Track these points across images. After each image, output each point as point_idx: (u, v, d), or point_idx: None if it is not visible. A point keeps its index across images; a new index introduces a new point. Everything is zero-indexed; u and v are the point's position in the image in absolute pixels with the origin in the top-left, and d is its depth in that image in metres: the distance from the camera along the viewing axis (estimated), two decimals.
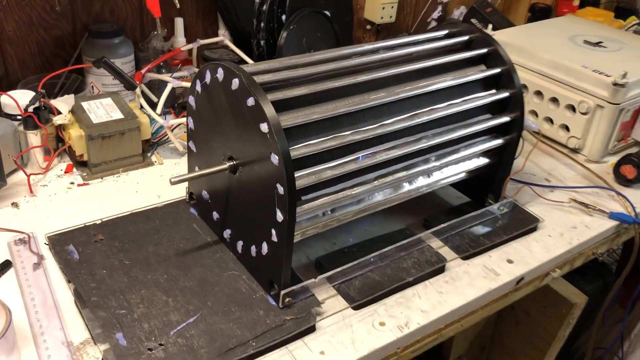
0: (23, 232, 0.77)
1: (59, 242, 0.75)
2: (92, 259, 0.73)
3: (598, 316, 1.09)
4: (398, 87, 0.76)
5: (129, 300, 0.68)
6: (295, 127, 0.66)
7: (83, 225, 0.79)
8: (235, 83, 0.64)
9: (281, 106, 0.66)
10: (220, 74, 0.67)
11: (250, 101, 0.63)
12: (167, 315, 0.66)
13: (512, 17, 1.71)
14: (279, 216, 0.64)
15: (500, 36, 1.18)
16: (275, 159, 0.62)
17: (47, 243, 0.76)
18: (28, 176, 0.86)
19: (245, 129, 0.66)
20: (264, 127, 0.62)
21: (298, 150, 0.66)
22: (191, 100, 0.75)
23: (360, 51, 0.77)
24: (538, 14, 1.60)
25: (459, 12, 1.55)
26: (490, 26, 1.33)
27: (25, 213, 0.82)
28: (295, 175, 0.63)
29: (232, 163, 0.70)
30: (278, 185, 0.62)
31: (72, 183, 0.89)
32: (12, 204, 0.83)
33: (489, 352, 1.28)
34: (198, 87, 0.72)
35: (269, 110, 0.61)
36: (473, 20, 1.46)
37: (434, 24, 1.55)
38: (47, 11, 1.02)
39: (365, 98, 0.72)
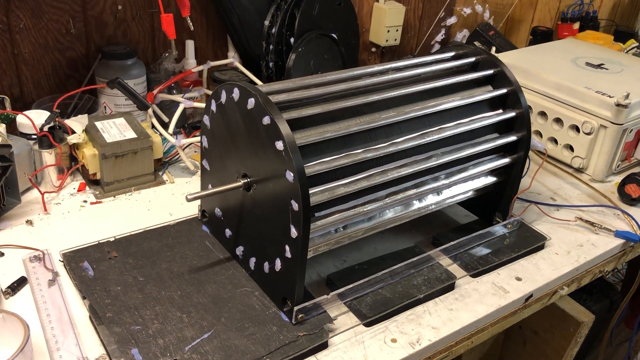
0: (38, 249, 0.78)
1: (73, 259, 0.76)
2: (106, 275, 0.74)
3: (605, 335, 1.09)
4: (408, 106, 0.78)
5: (143, 316, 0.69)
6: (309, 145, 0.68)
7: (97, 242, 0.80)
8: (251, 102, 0.66)
9: (296, 125, 0.67)
10: (236, 93, 0.69)
11: (266, 120, 0.64)
12: (182, 331, 0.67)
13: (514, 40, 1.74)
14: (293, 232, 0.65)
15: (504, 58, 1.20)
16: (290, 175, 0.63)
17: (61, 260, 0.77)
18: (42, 194, 0.87)
19: (261, 147, 0.67)
20: (279, 144, 0.63)
21: (312, 167, 0.67)
22: (206, 119, 0.77)
23: (371, 72, 0.79)
24: (539, 37, 1.63)
25: (461, 35, 1.58)
26: (493, 49, 1.36)
27: (40, 230, 0.83)
28: (310, 191, 0.64)
29: (246, 180, 0.71)
30: (293, 202, 0.64)
31: (85, 201, 0.90)
32: (26, 222, 0.84)
33: None
34: (213, 107, 0.74)
35: (285, 128, 0.63)
36: (476, 43, 1.49)
37: (437, 46, 1.58)
38: (62, 34, 1.05)
39: (377, 117, 0.74)
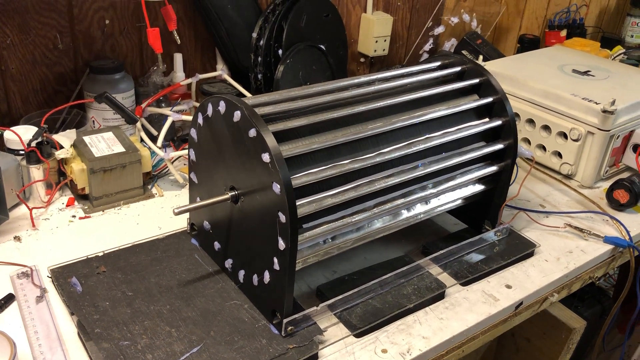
0: (26, 266, 0.78)
1: (61, 275, 0.76)
2: (95, 290, 0.74)
3: (597, 341, 1.10)
4: (394, 116, 0.78)
5: (132, 331, 0.68)
6: (295, 157, 0.68)
7: (85, 257, 0.79)
8: (237, 115, 0.66)
9: (282, 137, 0.67)
10: (222, 106, 0.69)
11: (252, 132, 0.64)
12: (171, 346, 0.67)
13: (502, 48, 1.76)
14: (281, 244, 0.65)
15: (491, 67, 1.22)
16: (277, 187, 0.63)
17: (49, 276, 0.76)
18: (30, 210, 0.87)
19: (247, 160, 0.67)
20: (265, 157, 0.63)
21: (299, 179, 0.67)
22: (193, 132, 0.77)
23: (357, 83, 0.80)
24: (527, 44, 1.65)
25: (449, 44, 1.59)
26: (480, 57, 1.37)
27: (28, 246, 0.83)
28: (297, 203, 0.64)
29: (233, 193, 0.71)
30: (280, 214, 0.64)
31: (73, 216, 0.90)
32: (14, 238, 0.84)
33: None
34: (200, 120, 0.74)
35: (271, 140, 0.63)
36: (464, 52, 1.50)
37: (425, 56, 1.59)
38: (49, 49, 1.05)
39: (363, 128, 0.74)
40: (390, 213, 0.78)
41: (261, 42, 1.15)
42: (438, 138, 0.80)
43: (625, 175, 1.10)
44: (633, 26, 1.88)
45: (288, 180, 0.63)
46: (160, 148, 0.99)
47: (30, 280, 0.76)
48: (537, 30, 1.85)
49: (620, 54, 1.66)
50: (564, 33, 1.75)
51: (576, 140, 1.08)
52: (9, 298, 0.72)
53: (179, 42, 1.08)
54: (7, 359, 0.59)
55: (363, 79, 0.81)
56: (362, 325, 0.72)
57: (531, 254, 0.89)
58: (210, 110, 0.71)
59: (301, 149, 0.68)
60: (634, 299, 1.01)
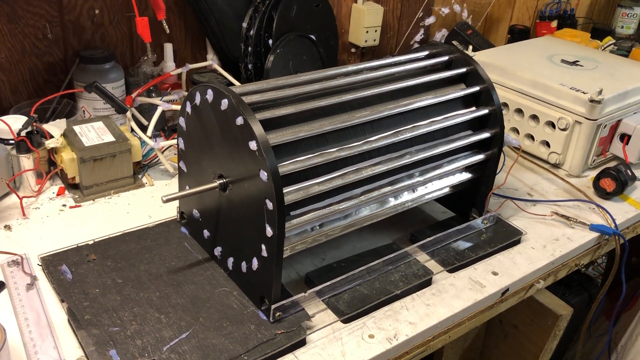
0: (16, 254, 0.78)
1: (52, 263, 0.77)
2: (85, 278, 0.74)
3: (584, 328, 1.11)
4: (382, 105, 0.79)
5: (122, 317, 0.69)
6: (283, 145, 0.69)
7: (76, 245, 0.80)
8: (224, 103, 0.67)
9: (269, 125, 0.68)
10: (210, 95, 0.69)
11: (239, 120, 0.65)
12: (160, 332, 0.68)
13: (492, 39, 1.76)
14: (269, 231, 0.66)
15: (481, 57, 1.22)
16: (264, 175, 0.64)
17: (40, 264, 0.77)
18: (20, 199, 0.87)
19: (235, 148, 0.68)
20: (252, 145, 0.64)
21: (286, 166, 0.68)
22: (181, 121, 0.77)
23: (345, 72, 0.80)
24: (517, 35, 1.65)
25: (440, 35, 1.60)
26: (470, 47, 1.38)
27: (18, 235, 0.83)
28: (284, 190, 0.65)
29: (222, 181, 0.72)
30: (267, 201, 0.64)
31: (64, 205, 0.90)
32: (4, 227, 0.84)
33: None
34: (188, 109, 0.75)
35: (258, 128, 0.64)
36: (454, 42, 1.51)
37: (416, 46, 1.59)
38: (39, 38, 1.05)
39: (350, 116, 0.75)
40: (377, 201, 0.79)
41: (251, 32, 1.15)
42: (425, 127, 0.81)
43: (612, 164, 1.11)
44: (623, 17, 1.89)
45: (275, 167, 0.63)
46: (150, 138, 0.99)
47: (20, 268, 0.76)
48: (527, 21, 1.86)
49: (610, 45, 1.66)
50: (554, 24, 1.76)
51: (564, 130, 1.09)
52: (0, 286, 0.73)
53: (167, 31, 1.08)
54: None
55: (351, 68, 0.81)
56: (350, 311, 0.73)
57: (518, 242, 0.90)
58: (198, 98, 0.72)
59: (288, 137, 0.69)
60: (620, 286, 1.03)
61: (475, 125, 0.87)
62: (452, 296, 0.79)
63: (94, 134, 0.94)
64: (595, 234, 0.95)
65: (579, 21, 1.89)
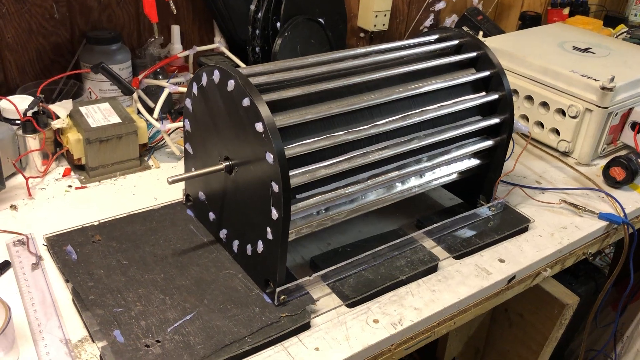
0: (22, 234, 0.78)
1: (57, 243, 0.77)
2: (89, 259, 0.74)
3: (590, 318, 1.11)
4: (390, 89, 0.78)
5: (126, 298, 0.69)
6: (289, 127, 0.68)
7: (81, 226, 0.80)
8: (231, 84, 0.66)
9: (276, 107, 0.67)
10: (216, 76, 0.68)
11: (246, 102, 0.64)
12: (164, 313, 0.68)
13: (503, 25, 1.74)
14: (274, 214, 0.65)
15: (491, 43, 1.21)
16: (270, 157, 0.63)
17: (45, 244, 0.77)
18: (27, 179, 0.87)
19: (241, 129, 0.67)
20: (259, 126, 0.63)
21: (292, 149, 0.67)
22: (188, 102, 0.77)
23: (353, 54, 0.79)
24: (528, 21, 1.63)
25: (450, 20, 1.58)
26: (480, 33, 1.36)
27: (24, 215, 0.83)
28: (290, 173, 0.64)
29: (228, 163, 0.71)
30: (273, 184, 0.64)
31: (70, 186, 0.90)
32: (10, 207, 0.84)
33: (482, 354, 1.29)
34: (195, 90, 0.74)
35: (264, 110, 0.63)
36: (465, 28, 1.49)
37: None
38: (46, 19, 1.04)
39: (358, 99, 0.74)
40: (384, 186, 0.78)
41: (259, 15, 1.14)
42: (434, 111, 0.80)
43: (622, 153, 1.10)
44: (637, 5, 1.86)
45: (281, 150, 0.63)
46: (156, 120, 0.99)
47: (26, 247, 0.76)
48: (539, 8, 1.83)
49: (623, 33, 1.64)
50: (566, 11, 1.73)
51: (574, 117, 1.08)
52: (5, 265, 0.73)
53: (174, 11, 1.07)
54: (2, 322, 0.60)
55: (359, 50, 0.80)
56: (355, 295, 0.73)
57: (525, 229, 0.90)
58: (204, 79, 0.71)
59: (295, 119, 0.68)
60: (628, 276, 1.02)
61: (484, 110, 0.86)
62: (457, 282, 0.78)
63: (100, 115, 0.93)
64: (603, 223, 0.94)
65: (592, 9, 1.86)
